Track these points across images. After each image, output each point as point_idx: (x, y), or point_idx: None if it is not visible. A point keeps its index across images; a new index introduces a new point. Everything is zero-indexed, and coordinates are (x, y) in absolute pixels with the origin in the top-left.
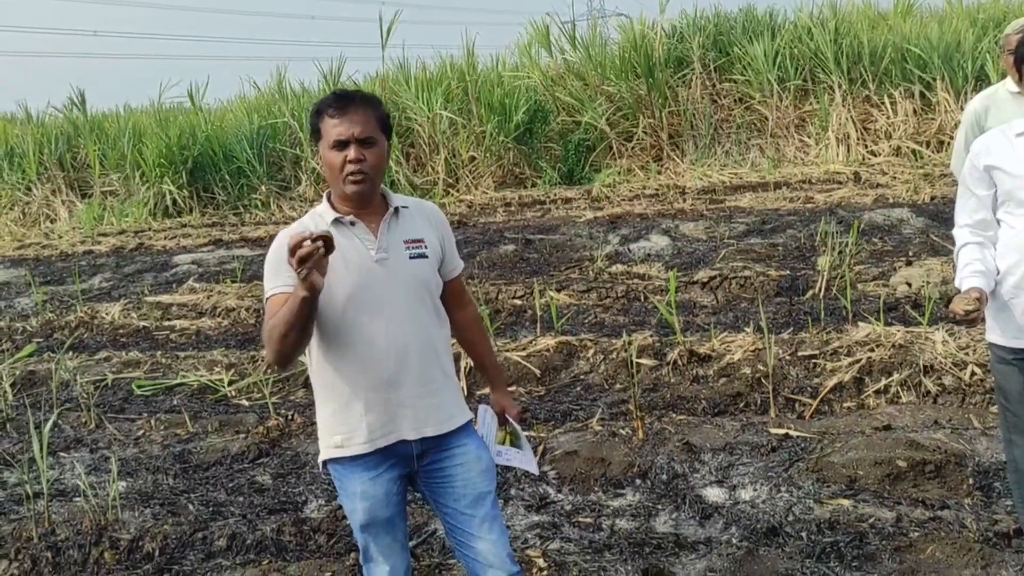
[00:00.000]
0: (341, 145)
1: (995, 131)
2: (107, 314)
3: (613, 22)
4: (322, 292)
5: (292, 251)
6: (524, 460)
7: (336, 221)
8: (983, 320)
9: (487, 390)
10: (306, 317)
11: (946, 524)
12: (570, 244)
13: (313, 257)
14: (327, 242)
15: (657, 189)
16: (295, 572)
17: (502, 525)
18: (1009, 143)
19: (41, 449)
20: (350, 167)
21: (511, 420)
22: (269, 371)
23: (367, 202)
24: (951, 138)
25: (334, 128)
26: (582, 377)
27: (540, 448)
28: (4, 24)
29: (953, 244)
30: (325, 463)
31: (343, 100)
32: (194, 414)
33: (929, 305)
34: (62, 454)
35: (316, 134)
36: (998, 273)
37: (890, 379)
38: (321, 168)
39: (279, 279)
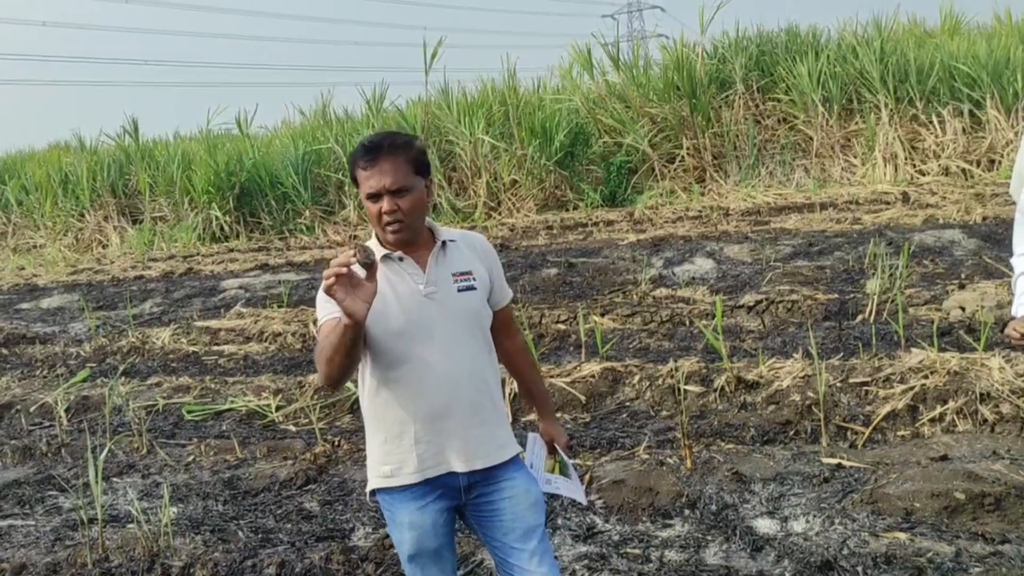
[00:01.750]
0: (374, 197)
1: None
2: (158, 339)
3: (655, 43)
4: (376, 325)
5: (337, 277)
6: (572, 489)
7: (385, 257)
8: None
9: (532, 416)
10: (350, 342)
11: (1007, 559)
12: (613, 267)
13: (342, 275)
14: (366, 263)
15: (700, 211)
16: None
17: (552, 559)
18: None
19: (96, 475)
20: (386, 218)
21: (560, 449)
22: (317, 395)
23: (410, 244)
24: (1003, 157)
25: (366, 181)
26: (628, 404)
27: (587, 476)
28: (60, 55)
29: (1008, 268)
30: (373, 492)
31: (372, 152)
32: (243, 439)
33: (984, 330)
34: (115, 479)
35: (355, 182)
36: None
37: (945, 407)
38: (355, 209)
39: (329, 306)
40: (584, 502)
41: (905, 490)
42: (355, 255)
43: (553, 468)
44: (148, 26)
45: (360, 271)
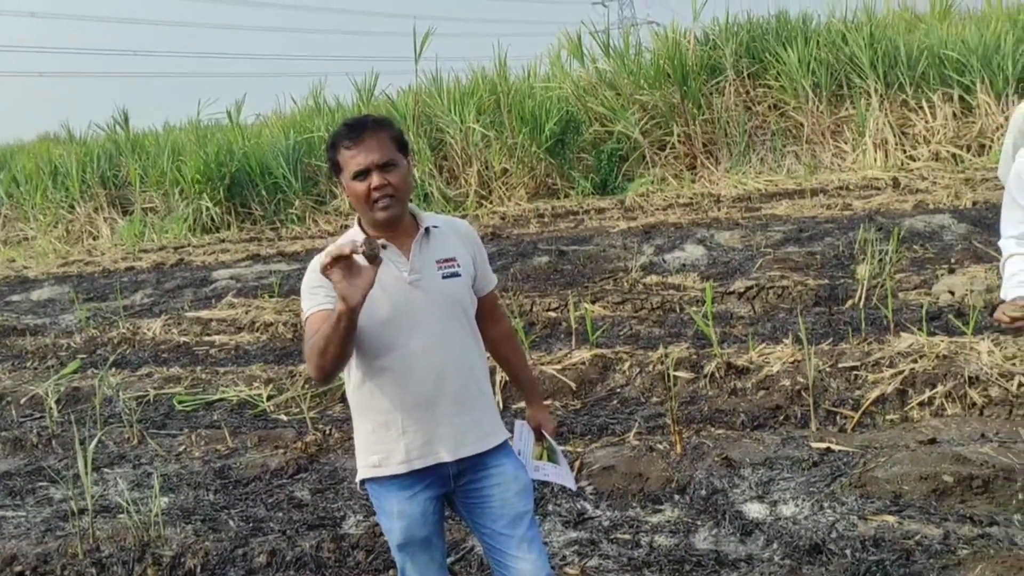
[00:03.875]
0: (363, 174)
1: None
2: (148, 330)
3: (645, 30)
4: (360, 314)
5: (335, 259)
6: (561, 475)
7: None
8: None
9: (523, 404)
10: (344, 332)
11: (995, 541)
12: (604, 255)
13: (346, 259)
14: (371, 255)
15: (691, 198)
16: None
17: (541, 545)
18: None
19: (86, 466)
20: (376, 194)
21: (547, 436)
22: (307, 384)
23: (397, 224)
24: (992, 142)
25: (352, 159)
26: (618, 390)
27: (577, 463)
28: (48, 46)
29: (997, 251)
30: (363, 482)
31: (356, 129)
32: (234, 429)
33: (973, 314)
34: (106, 470)
35: (336, 167)
36: None
37: (934, 391)
38: (347, 199)
39: (316, 299)
40: (573, 488)
41: (894, 473)
42: (362, 245)
43: (541, 455)
44: (138, 16)
45: (362, 261)
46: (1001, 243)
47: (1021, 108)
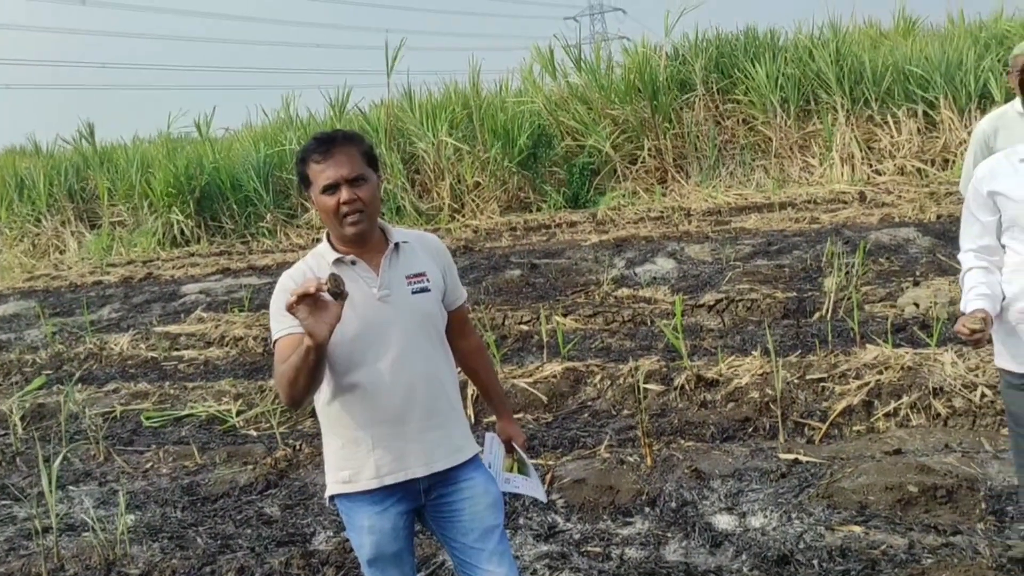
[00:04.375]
0: (332, 189)
1: (999, 156)
2: (116, 345)
3: (617, 45)
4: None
5: (300, 298)
6: (532, 487)
7: (337, 261)
8: (989, 341)
9: (494, 418)
10: (314, 364)
11: (959, 550)
12: (576, 268)
13: (311, 297)
14: (336, 292)
15: (662, 211)
16: None
17: (511, 558)
18: (1013, 168)
19: (50, 484)
20: (345, 208)
21: (518, 448)
22: (277, 400)
23: (366, 240)
24: (956, 156)
25: (322, 173)
26: (589, 403)
27: (548, 476)
28: (12, 58)
29: (960, 264)
30: (332, 498)
31: (326, 143)
32: (202, 445)
33: (938, 326)
34: (71, 488)
35: (305, 181)
36: (1004, 299)
37: (900, 402)
38: (316, 213)
39: (284, 321)
40: (544, 500)
41: (860, 484)
42: (327, 282)
43: (512, 467)
44: (105, 29)
45: (328, 299)
46: (961, 256)
47: (982, 124)
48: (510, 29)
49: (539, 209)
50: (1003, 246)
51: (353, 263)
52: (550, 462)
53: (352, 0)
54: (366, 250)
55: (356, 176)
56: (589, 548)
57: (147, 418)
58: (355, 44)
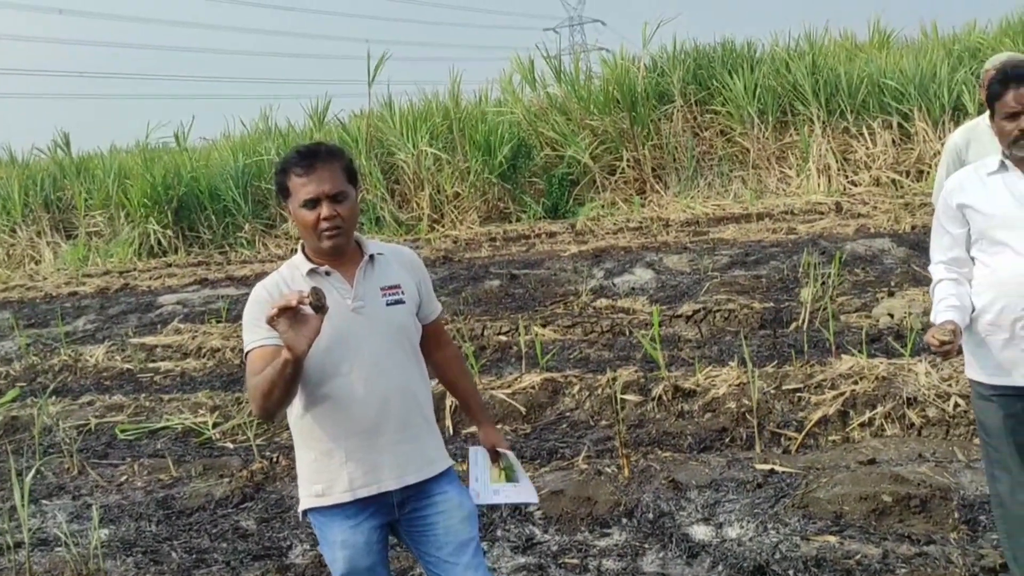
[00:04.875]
0: (312, 203)
1: (968, 169)
2: (91, 357)
3: (596, 57)
4: None
5: (280, 310)
6: (523, 491)
7: (312, 272)
8: (958, 352)
9: (474, 429)
10: (290, 377)
11: (932, 560)
12: (555, 279)
13: (292, 310)
14: (317, 305)
15: (641, 222)
16: None
17: (486, 571)
18: (981, 181)
19: (23, 498)
20: (324, 224)
21: (504, 452)
22: (253, 415)
23: (342, 253)
24: (931, 167)
25: (303, 187)
26: (567, 414)
27: None
28: None
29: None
30: (305, 512)
31: (309, 157)
32: (178, 458)
33: (912, 336)
34: (44, 502)
35: (284, 192)
36: (974, 310)
37: (874, 412)
38: (293, 224)
39: (258, 332)
40: (536, 501)
41: (835, 494)
42: (308, 295)
43: (500, 476)
44: (81, 38)
45: (309, 312)
46: (931, 268)
47: (955, 136)
48: (490, 40)
49: (518, 220)
50: (972, 258)
51: (327, 274)
52: (529, 473)
53: (331, 10)
54: (341, 262)
55: (337, 192)
56: (567, 560)
57: (122, 431)
58: (336, 54)
